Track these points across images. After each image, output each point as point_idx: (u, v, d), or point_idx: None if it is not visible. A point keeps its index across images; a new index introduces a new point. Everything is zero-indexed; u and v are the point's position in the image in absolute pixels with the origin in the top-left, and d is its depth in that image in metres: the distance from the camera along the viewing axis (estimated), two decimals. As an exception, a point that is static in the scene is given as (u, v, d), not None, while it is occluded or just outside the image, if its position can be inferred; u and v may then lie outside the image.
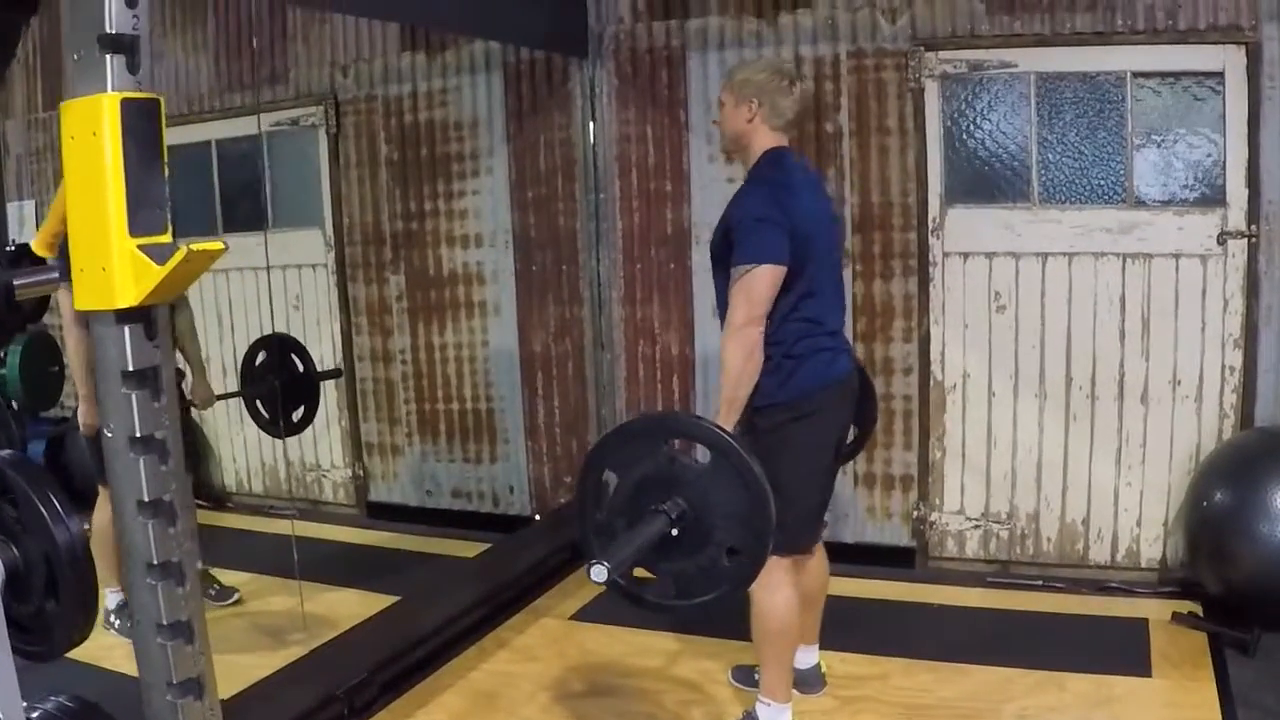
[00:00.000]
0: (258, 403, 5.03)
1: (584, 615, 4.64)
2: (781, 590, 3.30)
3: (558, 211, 5.46)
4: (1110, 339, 4.62)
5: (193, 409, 4.90)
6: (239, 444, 6.22)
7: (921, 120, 4.73)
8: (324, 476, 6.18)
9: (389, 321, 5.93)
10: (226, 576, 4.91)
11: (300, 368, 5.03)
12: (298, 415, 5.02)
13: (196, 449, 6.27)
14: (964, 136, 4.73)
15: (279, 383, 4.93)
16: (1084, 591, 4.61)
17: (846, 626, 4.21)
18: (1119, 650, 4.03)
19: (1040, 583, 4.71)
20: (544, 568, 4.95)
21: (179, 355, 4.60)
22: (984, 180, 4.73)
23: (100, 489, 4.31)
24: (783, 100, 3.30)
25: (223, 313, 6.19)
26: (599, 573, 2.48)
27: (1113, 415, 4.65)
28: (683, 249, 5.20)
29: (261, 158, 5.98)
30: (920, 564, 5.01)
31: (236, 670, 3.84)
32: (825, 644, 3.90)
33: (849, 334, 4.80)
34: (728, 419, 3.10)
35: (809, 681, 3.79)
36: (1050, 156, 4.62)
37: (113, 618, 4.39)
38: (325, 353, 5.98)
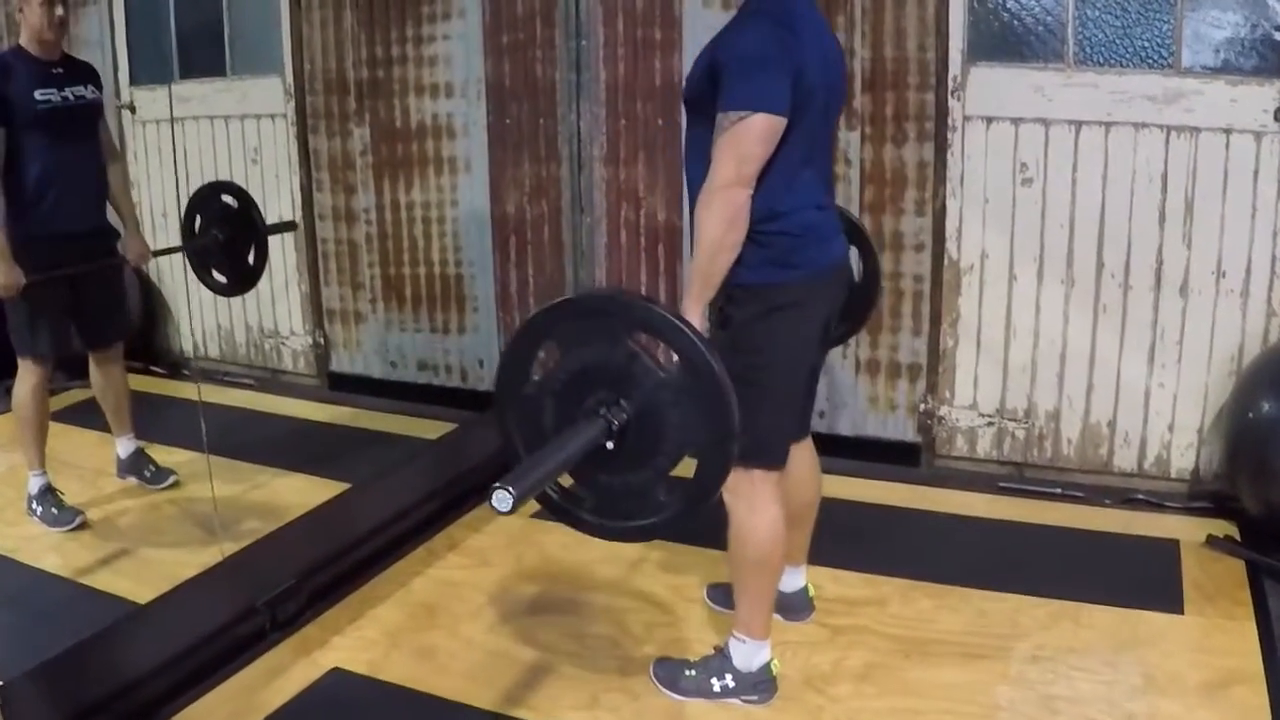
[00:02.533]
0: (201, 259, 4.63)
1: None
2: (767, 510, 2.83)
3: (535, 59, 4.88)
4: (1148, 221, 4.09)
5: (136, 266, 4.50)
6: (194, 306, 5.75)
7: (945, -36, 4.15)
8: (283, 344, 5.72)
9: (352, 177, 5.42)
10: (167, 455, 4.47)
11: (244, 215, 4.58)
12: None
13: (153, 311, 5.93)
14: (993, -16, 4.16)
15: (222, 236, 4.50)
16: (1106, 503, 4.15)
17: (842, 537, 3.76)
18: (1147, 578, 3.58)
19: (1058, 490, 4.25)
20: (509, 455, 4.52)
21: (111, 210, 4.19)
22: (1013, 36, 4.17)
23: (20, 361, 3.96)
24: None
25: (179, 164, 5.70)
26: (502, 500, 2.01)
27: (1147, 307, 4.16)
28: (672, 104, 4.60)
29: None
30: (926, 462, 4.57)
31: (159, 568, 3.56)
32: (818, 559, 3.45)
33: (854, 205, 4.36)
34: (701, 296, 2.62)
35: (795, 607, 3.35)
36: (1089, 12, 4.05)
37: (34, 504, 4.03)
38: (284, 210, 5.49)
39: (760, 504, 2.82)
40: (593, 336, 2.32)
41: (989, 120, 4.24)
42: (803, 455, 3.14)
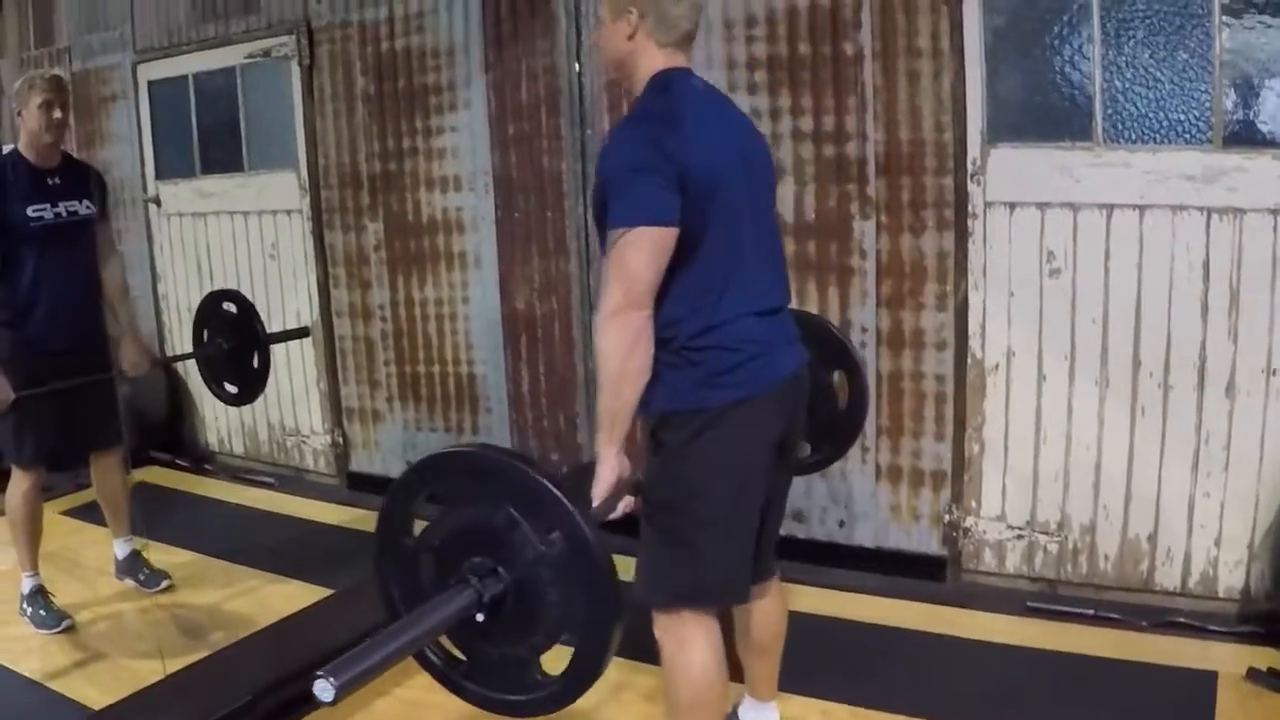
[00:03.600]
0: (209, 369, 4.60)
1: (532, 629, 3.97)
2: (698, 649, 2.55)
3: (541, 150, 4.75)
4: (1189, 314, 3.74)
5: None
6: (219, 403, 5.72)
7: (960, 39, 3.89)
8: (304, 442, 5.64)
9: (367, 273, 5.34)
10: (167, 556, 4.41)
11: (251, 329, 4.48)
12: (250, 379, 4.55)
13: (180, 406, 5.94)
14: (1012, 59, 3.89)
15: (227, 346, 4.44)
16: (1144, 627, 3.73)
17: (840, 665, 3.49)
18: (1175, 718, 3.17)
19: (1092, 611, 3.84)
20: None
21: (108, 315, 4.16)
22: (1036, 113, 3.88)
23: (13, 468, 3.95)
24: (672, 8, 2.49)
25: (201, 259, 5.71)
26: (324, 691, 1.77)
27: (1190, 408, 3.78)
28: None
29: (237, 94, 5.50)
30: (952, 577, 4.21)
31: (132, 676, 3.49)
32: (807, 689, 3.18)
33: (871, 300, 4.09)
34: (612, 437, 2.38)
35: (768, 748, 3.04)
36: (1118, 84, 3.74)
37: (25, 605, 4.01)
38: (301, 306, 5.47)
39: (689, 642, 2.55)
40: (474, 496, 2.12)
41: (1012, 206, 3.95)
42: (765, 590, 2.86)
